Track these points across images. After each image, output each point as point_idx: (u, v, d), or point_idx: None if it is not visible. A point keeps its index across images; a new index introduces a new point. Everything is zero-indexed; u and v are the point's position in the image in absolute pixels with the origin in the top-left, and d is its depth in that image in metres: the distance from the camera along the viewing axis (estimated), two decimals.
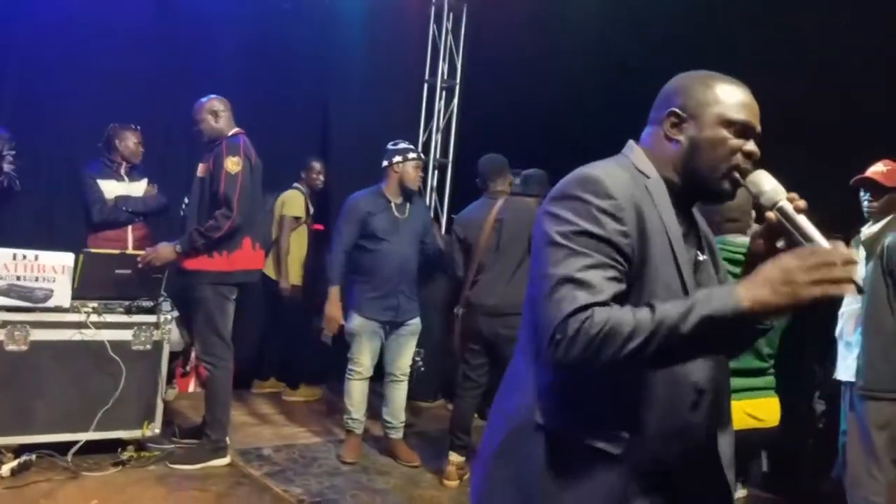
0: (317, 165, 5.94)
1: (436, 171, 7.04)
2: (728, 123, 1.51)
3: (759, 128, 1.55)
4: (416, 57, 6.93)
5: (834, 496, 3.67)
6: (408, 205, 4.58)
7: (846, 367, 3.55)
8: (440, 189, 7.05)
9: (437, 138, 7.01)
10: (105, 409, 3.90)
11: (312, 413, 5.49)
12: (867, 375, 3.41)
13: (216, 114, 4.21)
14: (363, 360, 4.50)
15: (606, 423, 1.47)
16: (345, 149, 6.39)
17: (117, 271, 4.12)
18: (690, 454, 1.51)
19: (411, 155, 4.53)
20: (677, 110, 1.55)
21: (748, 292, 1.28)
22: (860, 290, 1.29)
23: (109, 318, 4.02)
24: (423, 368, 5.38)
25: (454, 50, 7.00)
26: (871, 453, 3.42)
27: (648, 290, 1.45)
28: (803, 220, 1.39)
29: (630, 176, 1.51)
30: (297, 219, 5.79)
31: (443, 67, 6.99)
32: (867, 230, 3.69)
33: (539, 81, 6.04)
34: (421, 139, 6.95)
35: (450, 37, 6.96)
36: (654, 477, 1.49)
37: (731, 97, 1.53)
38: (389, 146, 4.57)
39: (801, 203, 1.42)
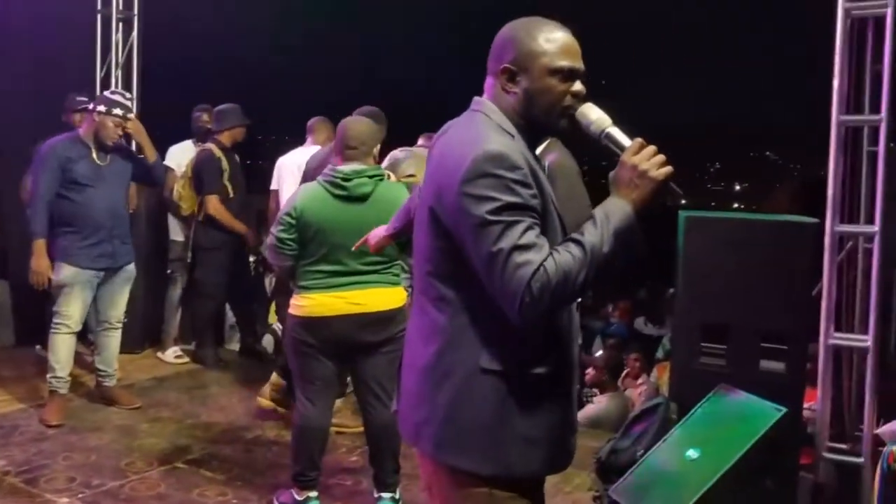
0: None
1: None
2: (555, 72, 1.72)
3: (582, 67, 1.76)
4: None
5: None
6: (109, 153, 4.38)
7: None
8: None
9: (117, 74, 6.54)
10: None
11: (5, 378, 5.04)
12: None
13: None
14: (73, 312, 4.31)
15: (545, 353, 1.74)
16: (9, 93, 5.72)
17: None
18: (575, 346, 1.86)
19: (115, 110, 4.30)
20: (510, 66, 1.74)
21: (626, 198, 1.63)
22: (678, 194, 1.68)
23: None
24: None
25: None
26: None
27: (551, 235, 1.67)
28: (620, 135, 1.71)
29: (510, 140, 1.70)
30: None
31: None
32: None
33: (229, 10, 5.89)
34: (99, 76, 6.43)
35: None
36: (573, 375, 1.83)
37: (553, 45, 1.72)
38: (106, 92, 4.35)
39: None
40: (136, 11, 6.52)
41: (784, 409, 3.01)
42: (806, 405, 3.77)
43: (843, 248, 3.96)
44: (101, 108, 4.30)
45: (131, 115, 4.41)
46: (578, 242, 1.59)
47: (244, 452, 4.04)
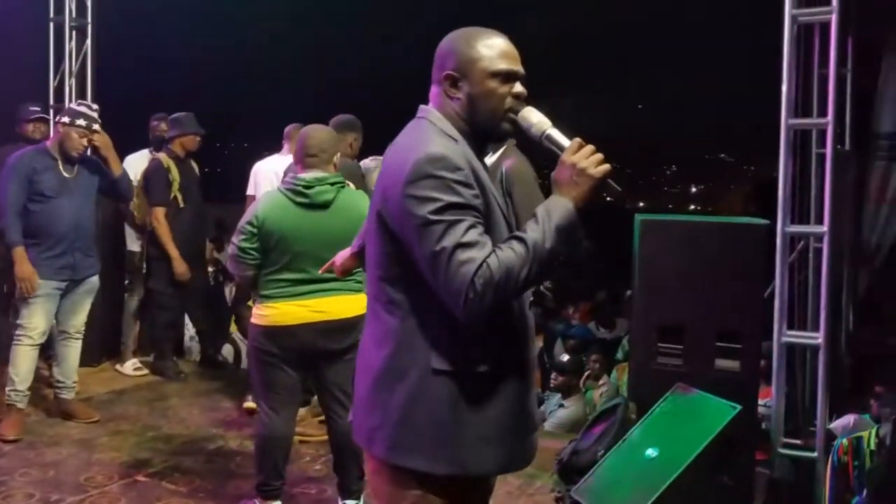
0: None
1: None
2: (493, 75, 1.78)
3: (522, 70, 1.82)
4: None
5: None
6: (76, 165, 4.35)
7: None
8: None
9: (70, 83, 6.45)
10: None
11: None
12: None
13: None
14: (36, 324, 4.26)
15: (497, 353, 1.77)
16: None
17: None
18: (531, 345, 1.89)
19: (79, 121, 4.26)
20: (451, 72, 1.80)
21: (567, 195, 1.68)
22: (616, 191, 1.74)
23: None
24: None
25: None
26: None
27: (495, 234, 1.72)
28: (560, 136, 1.77)
29: (453, 143, 1.74)
30: None
31: (70, 5, 6.39)
32: (488, 160, 4.28)
33: (183, 19, 5.85)
34: (52, 84, 6.34)
35: None
36: (528, 373, 1.85)
37: (491, 50, 1.79)
38: (72, 104, 4.30)
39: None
40: (89, 19, 6.45)
41: (739, 407, 3.09)
42: (761, 402, 3.87)
43: (795, 248, 4.08)
44: (66, 118, 4.27)
45: (96, 127, 4.34)
46: (521, 239, 1.64)
47: (206, 463, 4.00)
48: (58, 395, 4.54)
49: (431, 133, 1.77)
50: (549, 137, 1.78)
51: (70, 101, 6.40)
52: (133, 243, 5.62)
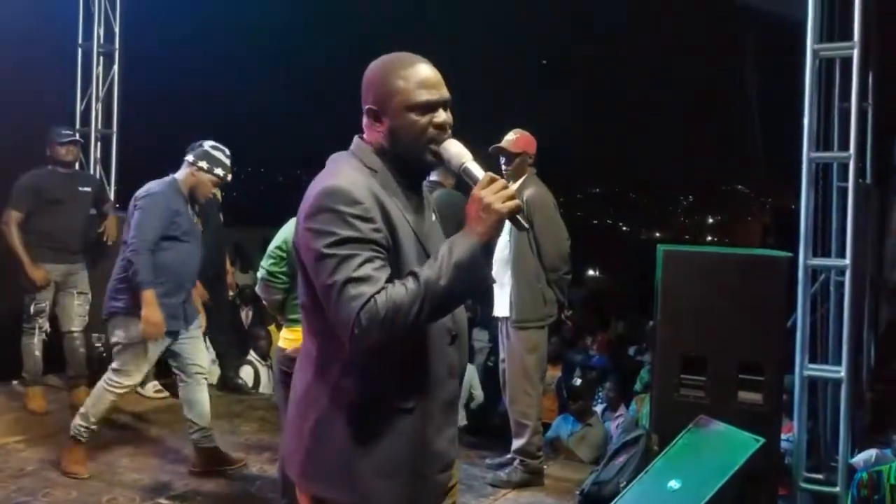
0: None
1: (99, 143, 6.61)
2: (411, 108, 1.74)
3: (444, 96, 1.77)
4: (67, 19, 6.39)
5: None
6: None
7: (501, 305, 4.17)
8: (105, 161, 6.64)
9: (97, 107, 6.58)
10: None
11: None
12: (517, 309, 4.06)
13: None
14: (141, 370, 4.00)
15: (408, 388, 1.76)
16: None
17: None
18: (454, 385, 1.87)
19: (217, 171, 4.04)
20: (371, 106, 1.79)
21: (472, 230, 1.65)
22: (523, 227, 1.75)
23: None
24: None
25: (110, 12, 6.56)
26: (524, 374, 4.10)
27: (404, 267, 1.70)
28: (476, 169, 1.74)
29: (364, 176, 1.74)
30: None
31: (98, 31, 6.53)
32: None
33: (207, 46, 5.96)
34: (79, 108, 6.47)
35: None
36: (440, 411, 1.81)
37: (409, 81, 1.74)
38: (207, 145, 4.06)
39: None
40: (116, 45, 6.59)
41: (762, 440, 3.08)
42: (783, 436, 3.85)
43: (816, 281, 4.08)
44: (204, 164, 4.02)
45: (229, 177, 4.17)
46: (415, 276, 1.63)
47: (227, 487, 4.02)
48: (198, 445, 4.15)
49: (344, 166, 1.77)
50: (465, 171, 1.75)
51: (98, 125, 6.55)
52: None
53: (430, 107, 1.76)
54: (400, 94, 1.75)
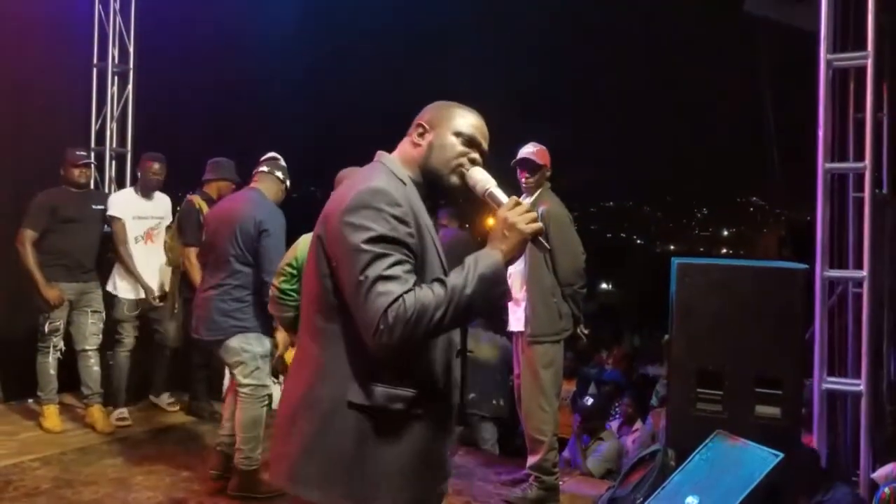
0: None
1: (114, 162, 6.67)
2: (458, 134, 1.91)
3: (485, 147, 1.95)
4: (82, 39, 6.47)
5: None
6: None
7: (516, 320, 4.15)
8: (120, 180, 6.69)
9: (112, 126, 6.64)
10: None
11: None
12: (532, 324, 4.03)
13: None
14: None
15: (416, 393, 1.78)
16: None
17: None
18: (456, 397, 1.94)
19: (287, 182, 4.18)
20: (423, 123, 1.94)
21: (496, 247, 1.75)
22: (545, 249, 1.86)
23: None
24: None
25: (125, 33, 6.64)
26: (540, 389, 4.06)
27: (428, 275, 1.79)
28: (500, 194, 1.87)
29: (399, 184, 1.82)
30: None
31: (113, 51, 6.61)
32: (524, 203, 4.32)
33: (220, 66, 6.01)
34: (94, 127, 6.55)
35: (118, 18, 6.59)
36: (444, 420, 1.88)
37: (466, 119, 1.93)
38: (281, 162, 4.19)
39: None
40: (131, 65, 6.66)
41: (781, 455, 3.03)
42: None
43: (833, 292, 4.03)
44: (280, 175, 4.16)
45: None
46: (442, 282, 1.70)
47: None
48: (237, 468, 4.02)
49: (380, 173, 1.86)
50: (490, 195, 1.88)
51: (112, 143, 6.60)
52: (127, 291, 5.30)
53: (472, 142, 1.92)
54: (454, 120, 1.92)
